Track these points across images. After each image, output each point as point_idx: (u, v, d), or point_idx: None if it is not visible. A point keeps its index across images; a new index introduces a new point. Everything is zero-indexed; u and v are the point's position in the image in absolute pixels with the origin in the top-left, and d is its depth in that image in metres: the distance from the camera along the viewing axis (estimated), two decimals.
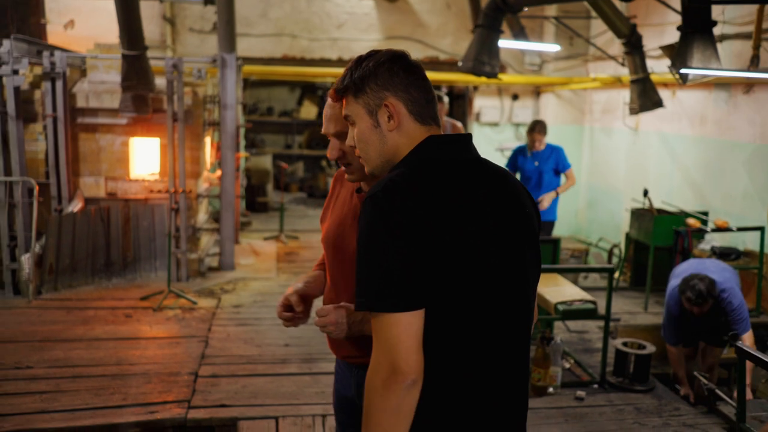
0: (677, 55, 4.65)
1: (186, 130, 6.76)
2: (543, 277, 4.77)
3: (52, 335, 5.16)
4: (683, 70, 4.61)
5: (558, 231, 7.95)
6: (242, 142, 10.15)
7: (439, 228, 1.37)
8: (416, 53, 10.15)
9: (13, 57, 5.99)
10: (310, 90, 14.16)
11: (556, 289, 4.52)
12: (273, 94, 14.27)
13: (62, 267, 6.31)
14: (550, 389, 4.26)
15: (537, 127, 6.39)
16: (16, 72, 6.08)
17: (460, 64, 5.85)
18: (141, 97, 6.50)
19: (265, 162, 11.72)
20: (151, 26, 8.91)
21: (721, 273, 4.45)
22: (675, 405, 4.27)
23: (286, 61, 9.96)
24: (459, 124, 6.16)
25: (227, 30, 7.09)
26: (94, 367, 4.59)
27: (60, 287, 6.31)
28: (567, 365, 4.63)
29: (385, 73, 1.54)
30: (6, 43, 6.00)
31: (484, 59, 5.43)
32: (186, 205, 6.79)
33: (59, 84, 6.33)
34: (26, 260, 6.00)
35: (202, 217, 7.65)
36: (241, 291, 6.59)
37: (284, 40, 9.99)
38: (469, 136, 1.60)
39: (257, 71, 9.44)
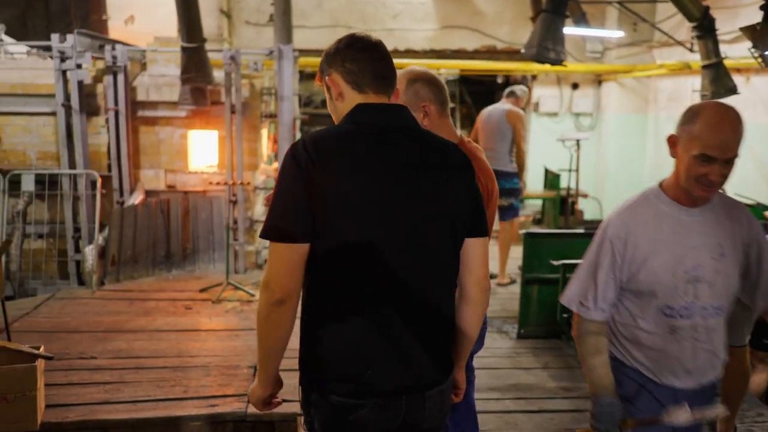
0: (760, 36, 4.36)
1: (243, 122, 6.75)
2: None
3: (115, 326, 5.22)
4: None
5: None
6: (298, 135, 10.15)
7: (322, 178, 1.59)
8: (473, 42, 9.94)
9: (76, 51, 6.08)
10: None
11: None
12: None
13: (124, 258, 6.40)
14: None
15: None
16: (79, 66, 6.18)
17: (522, 51, 5.65)
18: (199, 89, 6.52)
19: None
20: (208, 19, 8.96)
21: None
22: (758, 410, 4.02)
23: None
24: (516, 111, 5.98)
25: (284, 21, 7.06)
26: (155, 358, 4.62)
27: (122, 278, 6.41)
28: None
29: (332, 53, 1.76)
30: (70, 38, 6.09)
31: (548, 45, 5.21)
32: (243, 197, 6.80)
33: (120, 77, 6.41)
34: (90, 252, 6.10)
35: (259, 209, 7.66)
36: None
37: (339, 32, 9.87)
38: (400, 108, 1.76)
39: (313, 63, 9.40)
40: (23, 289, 6.29)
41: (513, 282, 6.37)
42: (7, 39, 8.01)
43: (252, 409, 3.87)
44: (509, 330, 5.18)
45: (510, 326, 5.24)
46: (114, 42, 6.80)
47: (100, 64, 6.73)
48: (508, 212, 6.21)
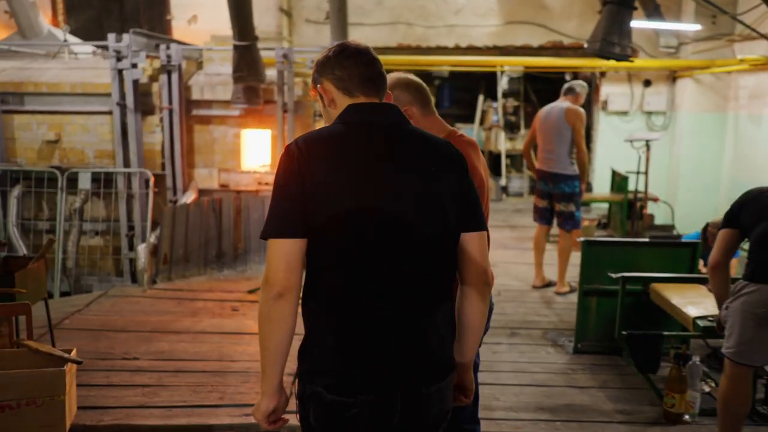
0: None
1: (296, 121, 6.66)
2: (677, 287, 4.19)
3: (161, 326, 5.19)
4: None
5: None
6: None
7: (314, 175, 1.64)
8: (538, 38, 9.56)
9: (131, 51, 6.11)
10: (425, 80, 13.73)
11: (695, 301, 3.93)
12: None
13: (176, 257, 6.41)
14: (686, 417, 3.70)
15: None
16: (134, 65, 6.21)
17: (585, 46, 5.30)
18: (252, 88, 6.46)
19: None
20: (266, 18, 8.95)
21: None
22: None
23: (401, 50, 9.71)
24: (575, 109, 5.63)
25: (339, 18, 6.92)
26: (196, 361, 4.54)
27: (174, 277, 6.41)
28: (707, 389, 4.03)
29: (322, 63, 1.81)
30: (125, 37, 6.14)
31: (613, 39, 4.86)
32: None
33: (175, 76, 6.42)
34: (142, 250, 6.13)
35: None
36: None
37: (399, 29, 9.73)
38: (389, 106, 1.81)
39: None
40: (79, 285, 6.39)
41: (573, 291, 6.01)
42: (72, 39, 8.19)
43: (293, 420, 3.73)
44: (565, 344, 4.85)
45: (566, 339, 4.91)
46: (169, 41, 6.83)
47: (157, 64, 6.77)
48: (569, 221, 5.84)
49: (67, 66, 7.01)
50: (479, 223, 1.81)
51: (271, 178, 6.81)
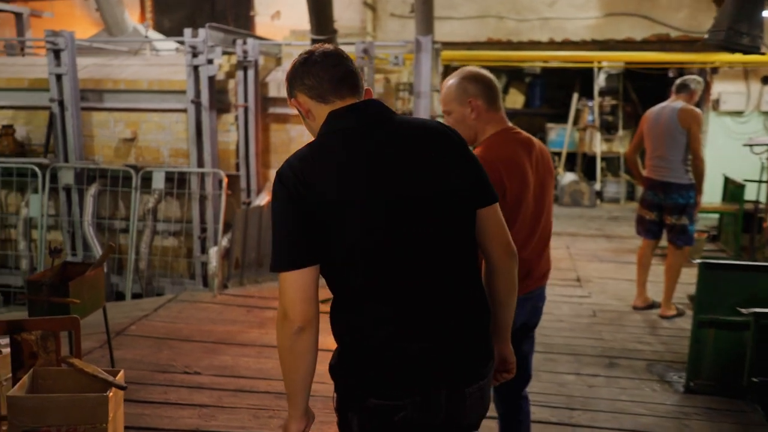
0: None
1: None
2: None
3: (227, 337, 4.91)
4: None
5: None
6: None
7: (312, 195, 1.58)
8: (642, 31, 8.76)
9: (207, 46, 5.88)
10: (516, 76, 13.15)
11: None
12: None
13: (248, 261, 6.15)
14: None
15: None
16: (210, 62, 5.98)
17: (706, 36, 4.60)
18: None
19: None
20: (349, 12, 8.62)
21: None
22: None
23: (490, 45, 9.16)
24: (690, 109, 4.93)
25: (424, 11, 6.46)
26: (259, 380, 4.21)
27: (245, 282, 6.15)
28: None
29: (290, 75, 1.73)
30: (201, 32, 5.91)
31: (742, 29, 4.16)
32: None
33: (251, 73, 6.15)
34: (213, 253, 5.90)
35: None
36: None
37: (489, 22, 9.18)
38: (368, 102, 1.71)
39: (458, 57, 8.73)
40: (151, 288, 6.25)
41: (681, 315, 5.31)
42: (153, 35, 8.14)
43: None
44: (674, 380, 4.20)
45: (675, 375, 4.26)
46: (246, 36, 6.57)
47: (234, 60, 6.53)
48: (681, 236, 5.11)
49: (146, 63, 6.90)
50: (491, 196, 1.76)
51: None
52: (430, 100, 6.46)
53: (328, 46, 1.75)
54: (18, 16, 8.73)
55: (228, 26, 7.17)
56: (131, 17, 9.35)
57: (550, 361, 4.49)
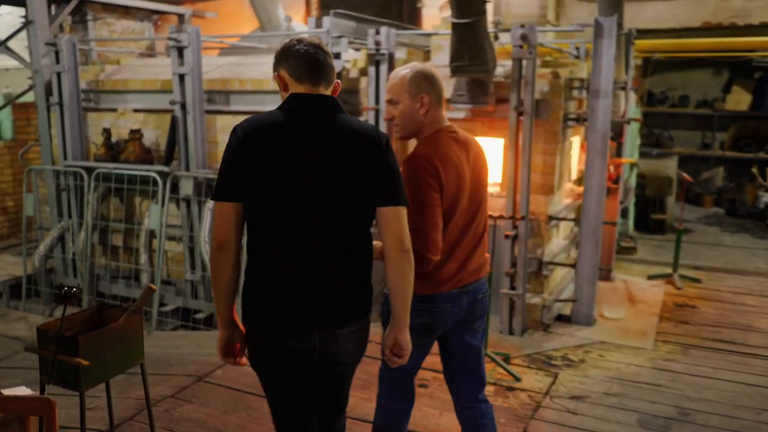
0: None
1: (537, 127, 4.87)
2: None
3: None
4: None
5: None
6: (635, 142, 7.77)
7: (249, 151, 2.02)
8: None
9: (331, 37, 4.91)
10: (741, 71, 10.70)
11: None
12: (690, 78, 11.21)
13: (375, 292, 5.08)
14: None
15: None
16: (337, 56, 5.01)
17: None
18: (478, 82, 4.84)
19: (668, 166, 8.97)
20: None
21: None
22: None
23: (707, 30, 7.22)
24: None
25: None
26: None
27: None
28: None
29: (280, 53, 2.13)
30: (326, 20, 4.95)
31: None
32: (527, 231, 4.91)
33: (383, 68, 5.06)
34: None
35: (557, 244, 5.68)
36: (591, 368, 4.45)
37: (707, 3, 7.26)
38: (325, 97, 2.11)
39: (661, 46, 6.94)
40: None
41: None
42: (299, 27, 7.44)
43: None
44: None
45: None
46: (380, 24, 5.48)
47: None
48: None
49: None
50: (394, 197, 2.12)
51: (502, 202, 5.12)
52: (611, 102, 4.90)
53: (315, 38, 2.17)
54: (180, 17, 8.55)
55: (393, 21, 6.17)
56: (295, 16, 8.81)
57: None
